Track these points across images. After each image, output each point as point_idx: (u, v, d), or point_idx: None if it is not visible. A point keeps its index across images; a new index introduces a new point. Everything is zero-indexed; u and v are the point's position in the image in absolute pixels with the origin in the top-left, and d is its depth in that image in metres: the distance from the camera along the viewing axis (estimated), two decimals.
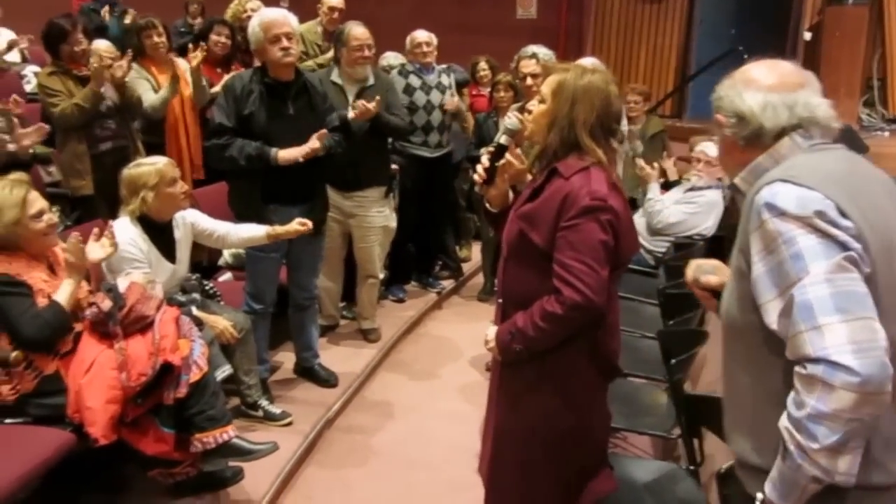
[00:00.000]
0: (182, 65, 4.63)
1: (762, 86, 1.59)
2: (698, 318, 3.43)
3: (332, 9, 5.41)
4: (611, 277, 2.12)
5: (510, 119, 2.36)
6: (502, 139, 2.36)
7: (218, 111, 3.50)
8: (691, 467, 2.57)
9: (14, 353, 2.61)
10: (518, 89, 4.76)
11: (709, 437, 2.56)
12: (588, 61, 3.85)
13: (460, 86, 5.67)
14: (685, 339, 3.06)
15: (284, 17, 3.41)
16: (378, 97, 3.96)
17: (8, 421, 2.68)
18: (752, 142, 1.61)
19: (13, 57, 6.70)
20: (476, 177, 2.37)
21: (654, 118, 6.27)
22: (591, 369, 2.18)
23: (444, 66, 5.23)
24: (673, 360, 2.82)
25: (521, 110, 3.89)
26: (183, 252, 3.36)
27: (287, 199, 3.52)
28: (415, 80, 4.98)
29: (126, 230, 3.14)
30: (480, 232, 5.56)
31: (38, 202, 2.80)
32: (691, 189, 4.63)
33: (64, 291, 2.76)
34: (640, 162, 4.89)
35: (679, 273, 4.00)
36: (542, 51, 3.88)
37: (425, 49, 5.00)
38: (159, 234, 3.24)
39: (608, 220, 2.03)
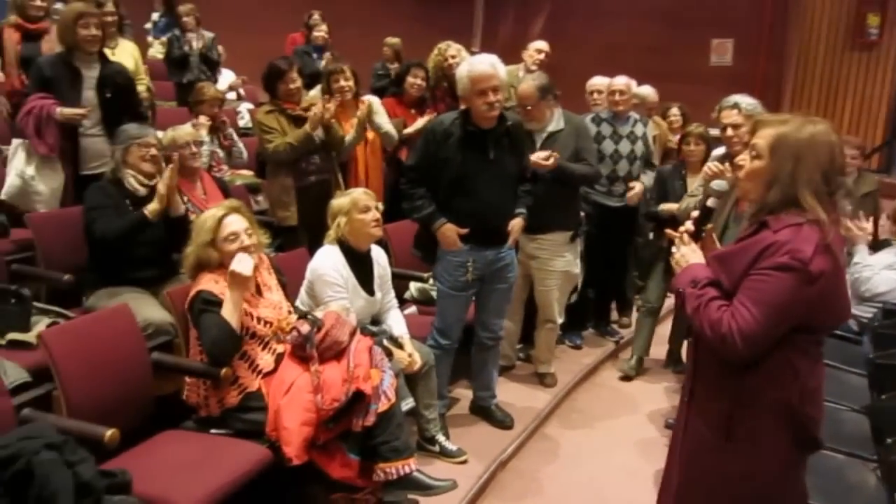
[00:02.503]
0: (368, 102, 4.81)
1: None
2: None
3: (539, 51, 5.51)
4: (808, 340, 2.02)
5: (719, 182, 2.28)
6: (710, 202, 2.28)
7: (412, 153, 3.64)
8: None
9: (224, 370, 2.81)
10: (710, 142, 4.61)
11: None
12: (745, 101, 3.69)
13: None
14: None
15: (493, 70, 3.41)
16: (555, 153, 3.98)
17: (213, 431, 2.89)
18: None
19: (232, 95, 7.36)
20: (683, 231, 2.27)
21: (868, 175, 5.78)
22: (785, 436, 2.05)
23: (638, 115, 5.13)
24: (889, 440, 2.58)
25: (723, 161, 3.78)
26: (379, 288, 3.50)
27: (479, 242, 3.58)
28: (606, 129, 4.94)
29: (330, 256, 3.36)
30: (646, 301, 4.89)
31: (234, 225, 2.99)
32: None
33: (225, 308, 2.89)
34: (847, 222, 4.53)
35: (891, 342, 3.70)
36: (746, 101, 3.72)
37: (618, 97, 4.92)
38: (359, 263, 3.42)
39: (801, 285, 1.91)
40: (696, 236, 2.26)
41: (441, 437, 3.64)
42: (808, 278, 1.90)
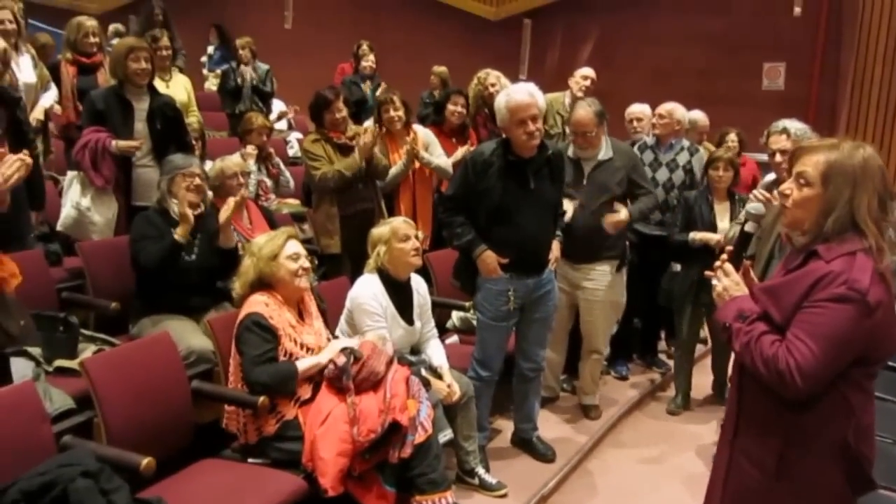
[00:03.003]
0: (421, 134, 4.85)
1: None
2: None
3: (585, 77, 5.49)
4: (863, 374, 1.94)
5: (754, 205, 2.21)
6: (748, 227, 2.21)
7: (451, 182, 3.65)
8: None
9: (262, 399, 2.83)
10: (738, 169, 4.50)
11: None
12: (794, 125, 3.59)
13: None
14: None
15: (531, 99, 3.40)
16: (622, 208, 4.06)
17: (251, 461, 2.90)
18: None
19: (281, 125, 7.50)
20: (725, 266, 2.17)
21: None
22: (837, 476, 1.96)
23: (687, 143, 5.04)
24: None
25: (771, 188, 3.68)
26: (419, 318, 3.50)
27: (519, 270, 3.56)
28: (647, 156, 4.89)
29: (369, 285, 3.37)
30: (679, 336, 4.79)
31: (296, 247, 3.09)
32: None
33: (310, 361, 2.97)
34: None
35: None
36: (795, 125, 3.63)
37: (658, 121, 4.91)
38: (398, 292, 3.43)
39: (860, 316, 1.83)
40: (734, 268, 2.20)
41: (481, 470, 3.59)
42: (867, 309, 1.83)
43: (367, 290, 3.35)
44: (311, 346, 3.04)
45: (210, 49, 10.06)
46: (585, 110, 4.08)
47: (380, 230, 3.45)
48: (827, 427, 1.94)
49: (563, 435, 4.21)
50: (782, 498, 2.00)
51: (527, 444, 3.98)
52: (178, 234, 3.55)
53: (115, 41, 5.60)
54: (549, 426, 4.25)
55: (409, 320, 3.46)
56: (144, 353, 2.89)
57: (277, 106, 7.87)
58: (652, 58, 9.12)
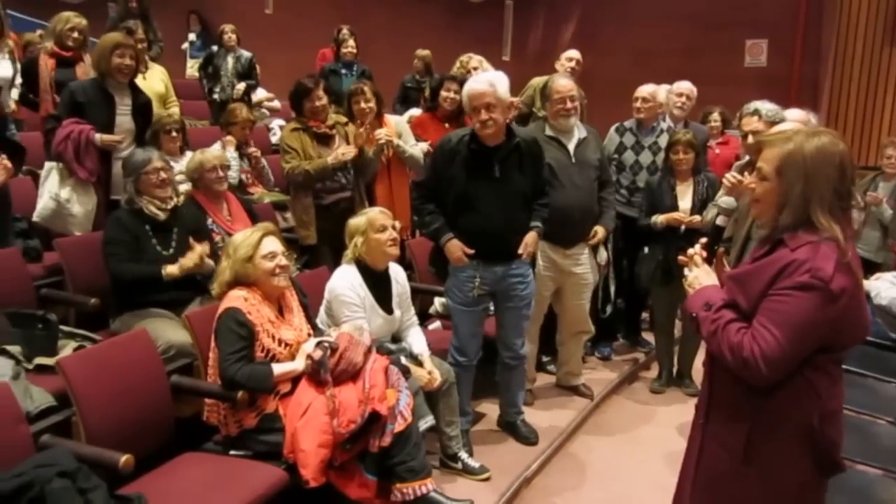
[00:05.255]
0: (393, 123, 4.83)
1: None
2: None
3: (570, 59, 5.47)
4: (829, 360, 1.98)
5: (725, 199, 2.23)
6: (719, 220, 2.23)
7: (425, 169, 3.65)
8: None
9: (241, 394, 2.84)
10: (699, 151, 4.50)
11: None
12: (795, 114, 3.57)
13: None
14: None
15: (487, 88, 3.38)
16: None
17: (232, 453, 2.92)
18: None
19: (264, 112, 7.46)
20: (696, 257, 2.21)
21: None
22: (805, 460, 2.00)
23: (667, 125, 5.03)
24: None
25: (742, 170, 3.70)
26: (398, 307, 3.51)
27: (486, 258, 3.57)
28: (629, 139, 4.90)
29: (346, 276, 3.39)
30: (654, 316, 4.92)
31: (271, 245, 3.06)
32: None
33: (286, 367, 2.97)
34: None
35: None
36: (766, 106, 3.63)
37: (640, 105, 4.88)
38: (377, 282, 3.45)
39: (824, 304, 1.86)
40: (707, 259, 2.21)
41: (464, 455, 3.62)
42: (831, 297, 1.86)
43: (345, 282, 3.37)
44: (290, 341, 3.04)
45: (192, 36, 10.00)
46: (568, 80, 4.12)
47: (356, 221, 3.46)
48: (793, 411, 1.97)
49: (547, 417, 4.25)
50: (751, 481, 2.03)
51: (511, 427, 4.02)
52: (166, 271, 3.52)
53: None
54: (534, 408, 4.30)
55: (388, 310, 3.48)
56: (122, 350, 2.89)
57: (260, 94, 7.82)
58: (634, 37, 9.09)
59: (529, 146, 3.60)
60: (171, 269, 3.53)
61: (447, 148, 3.53)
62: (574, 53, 5.54)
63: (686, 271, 2.19)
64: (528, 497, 3.65)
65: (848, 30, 8.02)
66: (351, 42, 7.17)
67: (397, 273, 3.61)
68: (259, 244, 3.04)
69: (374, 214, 3.46)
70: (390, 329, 3.52)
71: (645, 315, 5.41)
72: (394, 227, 3.46)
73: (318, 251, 4.40)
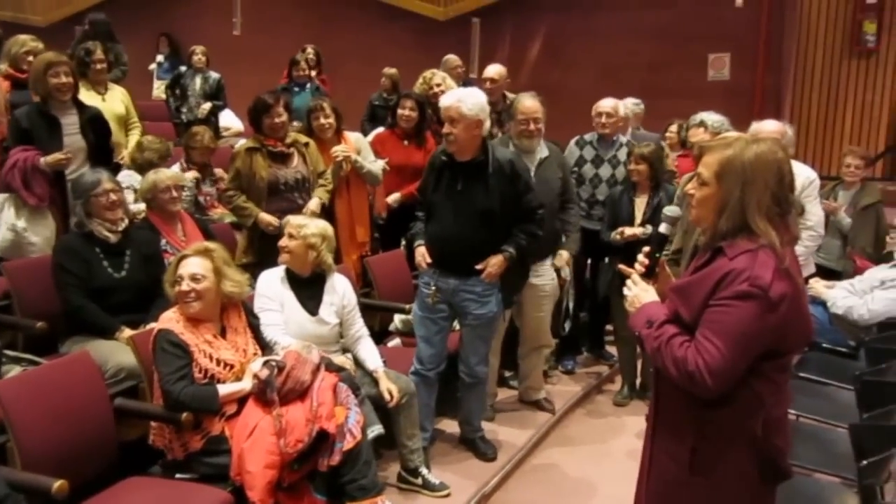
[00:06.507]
0: (352, 140, 4.81)
1: None
2: None
3: (486, 79, 5.35)
4: (773, 367, 1.95)
5: (670, 207, 2.23)
6: (662, 227, 2.22)
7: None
8: None
9: (185, 415, 2.80)
10: (653, 161, 4.47)
11: None
12: (770, 126, 3.59)
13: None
14: (883, 435, 2.71)
15: (452, 102, 3.49)
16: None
17: (178, 476, 2.87)
18: None
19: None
20: (637, 267, 2.20)
21: (872, 186, 5.61)
22: (751, 468, 1.99)
23: (626, 138, 5.05)
24: (865, 461, 2.50)
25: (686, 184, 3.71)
26: (328, 313, 3.50)
27: (442, 268, 3.63)
28: (588, 152, 4.91)
29: (269, 274, 3.51)
30: (616, 328, 4.91)
31: (186, 268, 3.00)
32: None
33: (232, 388, 2.94)
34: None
35: (883, 356, 3.60)
36: (712, 118, 3.66)
37: (604, 120, 4.86)
38: (302, 285, 3.48)
39: (764, 312, 1.85)
40: (650, 269, 2.19)
41: (424, 470, 3.57)
42: (770, 305, 1.85)
43: (264, 278, 3.49)
44: (231, 361, 3.00)
45: (160, 58, 9.98)
46: (534, 100, 4.11)
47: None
48: (737, 421, 1.96)
49: (508, 433, 4.21)
50: (698, 490, 2.02)
51: (470, 443, 3.99)
52: (123, 335, 3.43)
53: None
54: (494, 424, 4.26)
55: (312, 312, 3.48)
56: (62, 373, 2.83)
57: (227, 116, 7.80)
58: (600, 53, 9.20)
59: (502, 166, 3.56)
60: (127, 334, 3.42)
61: (434, 157, 3.69)
62: (492, 73, 5.39)
63: (625, 290, 2.18)
64: None
65: (808, 41, 8.17)
66: (303, 63, 7.24)
67: (337, 282, 3.58)
68: (176, 268, 3.02)
69: (286, 222, 3.57)
70: (321, 332, 3.48)
71: (610, 327, 5.40)
72: (295, 236, 3.43)
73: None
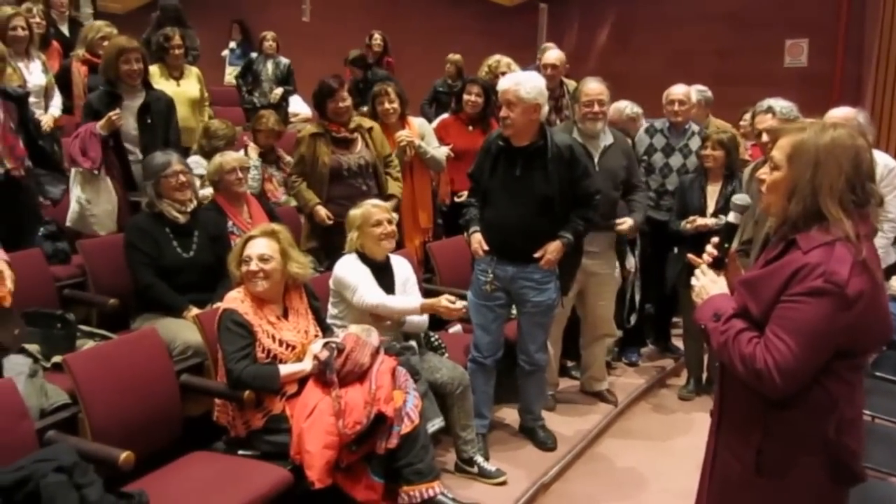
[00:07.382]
0: (416, 125, 4.82)
1: None
2: None
3: (547, 65, 5.30)
4: (847, 366, 1.86)
5: (740, 195, 2.14)
6: (731, 217, 2.13)
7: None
8: None
9: (247, 393, 2.84)
10: (730, 149, 4.36)
11: None
12: (840, 112, 3.44)
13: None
14: None
15: (509, 86, 3.43)
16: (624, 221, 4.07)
17: (240, 453, 2.93)
18: None
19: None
20: (705, 257, 2.11)
21: None
22: (819, 470, 1.90)
23: (698, 127, 4.89)
24: None
25: (753, 172, 3.58)
26: (403, 292, 3.56)
27: (500, 255, 3.59)
28: (659, 141, 4.79)
29: (347, 261, 3.50)
30: (684, 321, 4.81)
31: (252, 248, 3.05)
32: None
33: (293, 368, 2.97)
34: None
35: None
36: (780, 104, 3.50)
37: (677, 108, 4.73)
38: (377, 270, 3.51)
39: (839, 310, 1.76)
40: (719, 260, 2.10)
41: (479, 459, 3.56)
42: (846, 302, 1.75)
43: (345, 266, 3.48)
44: (293, 342, 3.04)
45: (232, 44, 10.15)
46: (597, 82, 4.05)
47: (353, 214, 3.55)
48: (807, 422, 1.88)
49: (569, 423, 4.17)
50: (764, 491, 1.95)
51: (530, 432, 3.96)
52: (190, 314, 3.49)
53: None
54: (555, 414, 4.22)
55: (388, 291, 3.51)
56: (131, 349, 2.92)
57: (296, 102, 7.90)
58: (670, 39, 8.97)
59: (561, 151, 3.51)
60: (193, 312, 3.49)
61: (489, 142, 3.64)
62: (552, 57, 5.32)
63: (693, 281, 2.10)
64: (545, 503, 3.58)
65: (892, 28, 7.78)
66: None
67: (399, 262, 3.65)
68: (242, 248, 3.06)
69: (368, 209, 3.52)
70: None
71: (677, 320, 5.29)
72: (389, 222, 3.50)
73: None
